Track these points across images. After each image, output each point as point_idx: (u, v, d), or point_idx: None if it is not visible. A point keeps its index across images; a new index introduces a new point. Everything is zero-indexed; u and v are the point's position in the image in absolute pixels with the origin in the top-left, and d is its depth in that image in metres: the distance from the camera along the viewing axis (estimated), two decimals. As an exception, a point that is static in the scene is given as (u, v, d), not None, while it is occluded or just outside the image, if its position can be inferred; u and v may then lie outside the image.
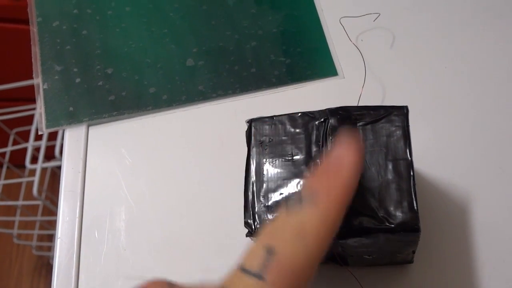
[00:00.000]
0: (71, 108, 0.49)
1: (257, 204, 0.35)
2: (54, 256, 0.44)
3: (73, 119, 0.49)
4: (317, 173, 0.29)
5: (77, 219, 0.45)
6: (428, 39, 0.50)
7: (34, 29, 0.53)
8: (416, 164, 0.35)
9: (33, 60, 0.52)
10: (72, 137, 0.48)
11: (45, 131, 0.48)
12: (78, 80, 0.50)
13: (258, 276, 0.26)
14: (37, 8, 0.55)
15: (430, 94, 0.47)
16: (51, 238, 1.34)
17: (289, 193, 0.35)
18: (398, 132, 0.36)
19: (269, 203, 0.35)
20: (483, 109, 0.46)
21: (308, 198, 0.28)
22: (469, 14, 0.51)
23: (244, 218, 0.35)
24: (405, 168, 0.35)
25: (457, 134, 0.45)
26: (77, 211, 0.45)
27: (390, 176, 0.34)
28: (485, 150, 0.44)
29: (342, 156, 0.29)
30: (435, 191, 0.43)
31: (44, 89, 0.50)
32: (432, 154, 0.44)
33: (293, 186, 0.35)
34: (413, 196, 0.34)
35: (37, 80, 0.51)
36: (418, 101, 0.47)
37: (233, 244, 0.42)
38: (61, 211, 0.45)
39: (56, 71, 0.51)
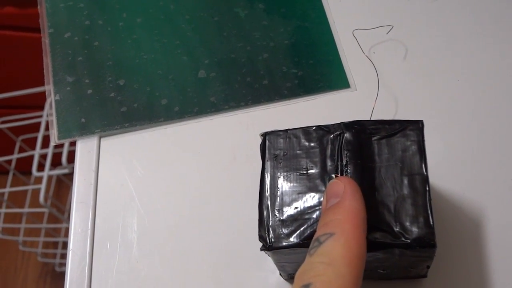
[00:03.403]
0: (83, 120, 0.49)
1: (271, 218, 0.35)
2: (66, 268, 0.43)
3: (85, 130, 0.49)
4: (323, 216, 0.31)
5: (89, 230, 0.45)
6: (441, 51, 0.50)
7: (46, 40, 0.53)
8: (429, 177, 0.35)
9: (45, 71, 0.52)
10: (84, 149, 0.48)
11: (57, 142, 0.48)
12: (90, 91, 0.50)
13: None
14: (48, 19, 0.55)
15: (443, 106, 0.47)
16: (56, 245, 1.34)
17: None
18: (413, 146, 0.35)
19: (284, 217, 0.35)
20: (497, 122, 0.46)
21: (325, 237, 0.29)
22: (482, 26, 0.51)
23: (259, 232, 0.35)
24: (420, 183, 0.34)
25: (470, 146, 0.45)
26: (89, 223, 0.45)
27: (405, 191, 0.34)
28: (499, 163, 0.44)
29: (335, 190, 0.32)
30: (448, 204, 0.43)
31: (56, 100, 0.50)
32: (445, 166, 0.44)
33: (308, 200, 0.35)
34: (429, 212, 0.34)
35: (49, 91, 0.51)
36: (431, 114, 0.47)
37: (246, 257, 0.42)
38: (73, 223, 0.45)
39: (68, 82, 0.51)
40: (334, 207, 0.31)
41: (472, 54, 0.50)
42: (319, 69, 0.50)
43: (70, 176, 1.14)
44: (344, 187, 0.31)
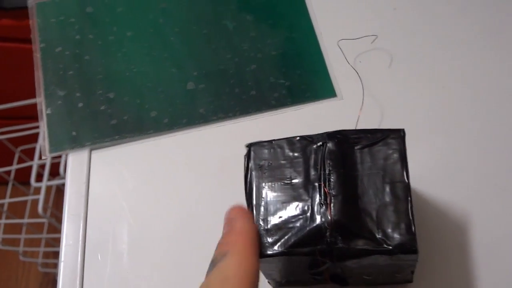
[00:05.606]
0: (74, 133, 0.50)
1: (256, 228, 0.36)
2: (58, 280, 0.44)
3: (76, 143, 0.49)
4: (219, 240, 0.34)
5: (80, 242, 0.45)
6: (426, 59, 0.51)
7: (37, 55, 0.54)
8: (415, 184, 0.35)
9: (36, 85, 0.53)
10: (75, 161, 0.49)
11: (48, 156, 0.49)
12: (81, 104, 0.51)
13: None
14: (40, 34, 0.55)
15: (428, 113, 0.48)
16: (56, 255, 1.34)
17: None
18: (395, 155, 0.36)
19: (268, 226, 0.35)
20: (482, 128, 0.47)
21: (220, 257, 0.32)
22: (466, 34, 0.52)
23: (244, 241, 0.36)
24: (402, 191, 0.35)
25: (456, 153, 0.46)
26: (80, 234, 0.46)
27: (387, 198, 0.35)
28: (484, 169, 0.45)
29: (230, 217, 0.35)
30: (433, 211, 0.43)
31: (47, 114, 0.51)
32: (430, 173, 0.45)
33: (292, 209, 0.36)
34: (411, 218, 0.34)
35: (40, 105, 0.52)
36: (417, 121, 0.47)
37: (234, 266, 0.43)
38: (64, 235, 0.46)
39: (59, 96, 0.52)
40: (228, 230, 0.34)
41: (456, 61, 0.50)
42: (306, 79, 0.51)
43: (69, 186, 1.14)
44: (236, 213, 0.35)
